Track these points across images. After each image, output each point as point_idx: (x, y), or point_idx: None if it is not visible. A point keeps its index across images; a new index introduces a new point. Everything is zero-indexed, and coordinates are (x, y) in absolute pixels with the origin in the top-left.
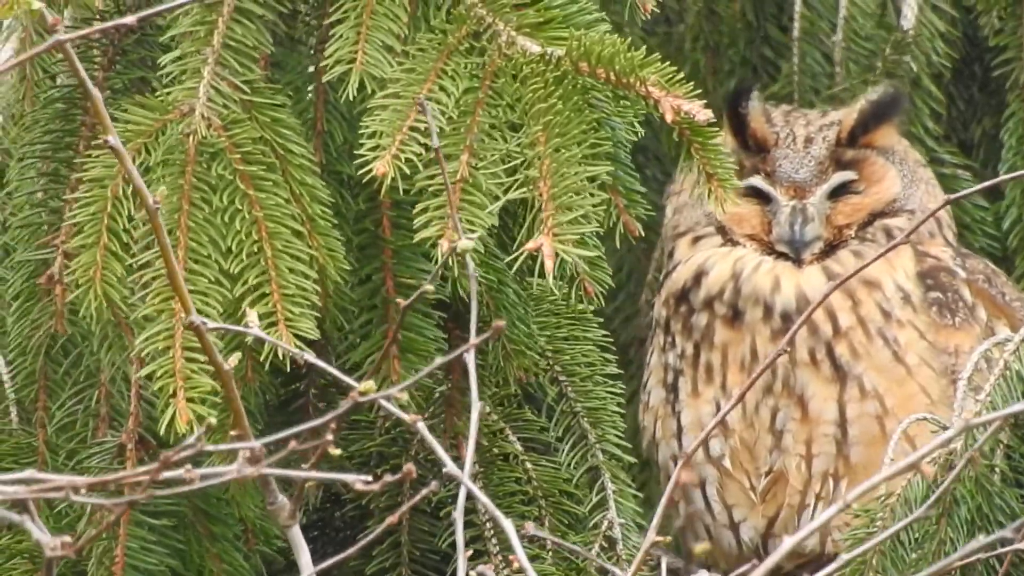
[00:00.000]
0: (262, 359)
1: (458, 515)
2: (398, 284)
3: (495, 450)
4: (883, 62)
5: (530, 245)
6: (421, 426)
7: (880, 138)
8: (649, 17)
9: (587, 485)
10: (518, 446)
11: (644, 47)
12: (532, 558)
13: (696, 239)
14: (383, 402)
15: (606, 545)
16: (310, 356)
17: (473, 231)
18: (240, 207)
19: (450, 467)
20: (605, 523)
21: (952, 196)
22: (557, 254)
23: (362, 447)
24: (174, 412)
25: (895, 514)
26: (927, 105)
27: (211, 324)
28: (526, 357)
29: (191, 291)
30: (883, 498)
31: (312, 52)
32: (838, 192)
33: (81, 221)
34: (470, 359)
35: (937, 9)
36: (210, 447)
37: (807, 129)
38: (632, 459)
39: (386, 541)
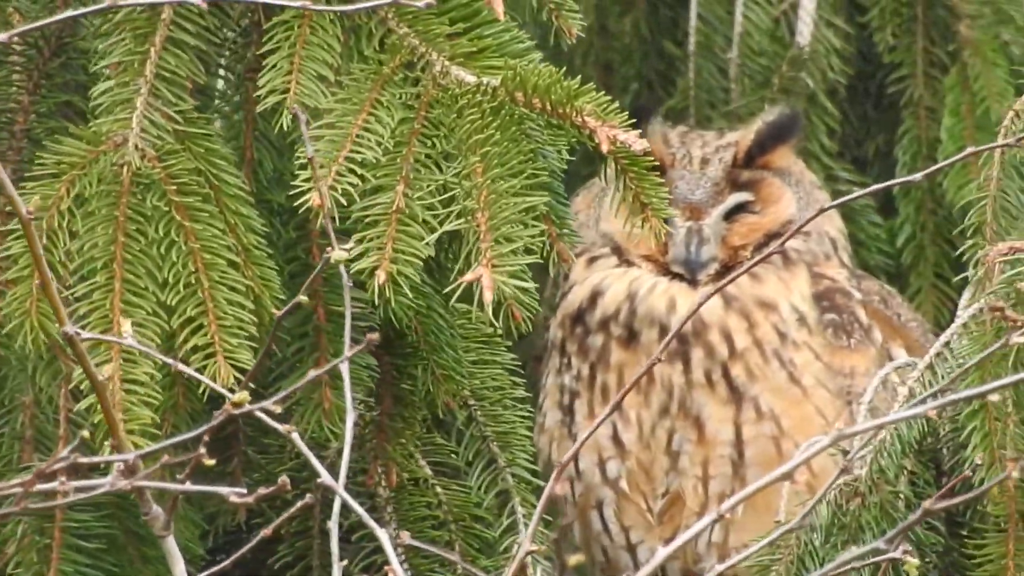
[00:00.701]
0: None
1: (332, 526)
2: (329, 312)
3: (406, 475)
4: (779, 78)
5: (469, 276)
6: (295, 436)
7: (776, 159)
8: (574, 41)
9: (497, 509)
10: (428, 470)
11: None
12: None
13: (592, 260)
14: (257, 412)
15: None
16: (214, 384)
17: (411, 260)
18: (176, 238)
19: (325, 477)
20: (515, 547)
21: (829, 206)
22: (497, 286)
23: (270, 471)
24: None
25: (799, 541)
26: (822, 122)
27: (84, 334)
28: (454, 382)
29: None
30: (784, 524)
31: (240, 80)
32: (734, 213)
33: (15, 253)
34: (344, 369)
35: (832, 25)
36: (84, 460)
37: (703, 150)
38: (542, 483)
39: (297, 567)
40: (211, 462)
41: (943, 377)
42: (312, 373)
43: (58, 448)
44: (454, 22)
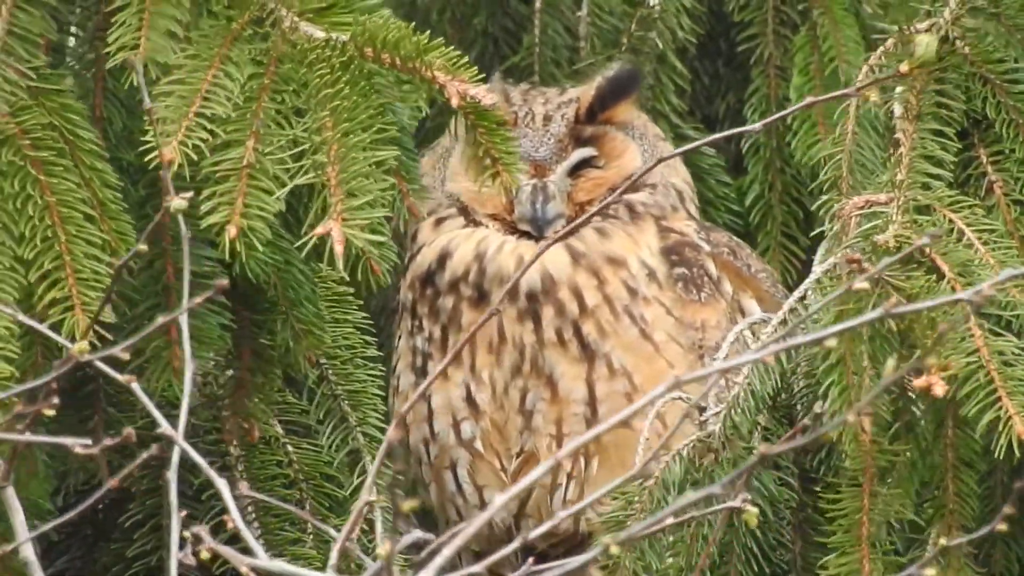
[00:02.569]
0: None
1: (171, 475)
2: (178, 271)
3: (258, 433)
4: (628, 38)
5: (319, 230)
6: (135, 387)
7: (619, 114)
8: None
9: (348, 468)
10: (279, 429)
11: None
12: (294, 541)
13: (439, 221)
14: (98, 363)
15: (367, 528)
16: (59, 337)
17: (262, 215)
18: (32, 192)
19: (165, 427)
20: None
21: (668, 155)
22: (347, 239)
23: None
24: None
25: (652, 496)
26: (672, 81)
27: None
28: (314, 337)
29: None
30: (639, 481)
31: (91, 39)
32: (579, 169)
33: None
34: (183, 321)
35: None
36: None
37: (546, 107)
38: None
39: (147, 526)
40: (52, 412)
41: (792, 331)
42: (160, 319)
43: None
44: None
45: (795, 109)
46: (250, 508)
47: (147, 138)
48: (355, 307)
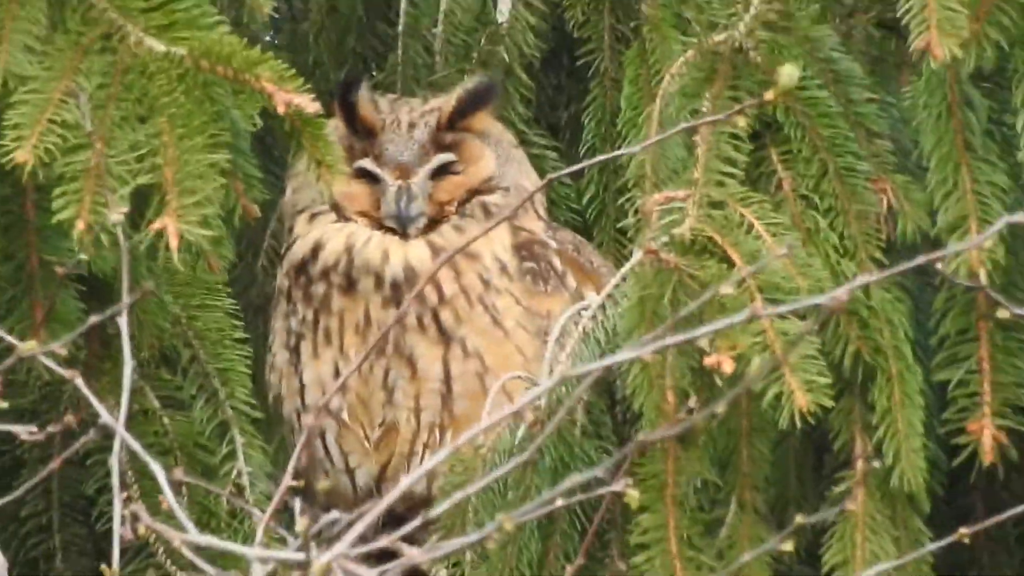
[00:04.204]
0: None
1: (114, 460)
2: (43, 261)
3: (135, 406)
4: (478, 52)
5: (156, 225)
6: (79, 381)
7: (476, 123)
8: (266, 19)
9: (218, 438)
10: (156, 402)
11: (259, 46)
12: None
13: (313, 216)
14: (41, 358)
15: (235, 491)
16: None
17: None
18: None
19: (106, 418)
20: (234, 472)
21: (550, 177)
22: (181, 233)
23: (17, 402)
24: None
25: (487, 461)
26: (518, 91)
27: None
28: (156, 327)
29: None
30: (477, 449)
31: None
32: (439, 172)
33: None
34: (123, 322)
35: (529, 5)
36: None
37: (410, 115)
38: (259, 415)
39: (37, 488)
40: (5, 404)
41: (612, 318)
42: (93, 318)
43: None
44: None
45: (675, 131)
46: (130, 473)
47: (5, 142)
48: (224, 295)
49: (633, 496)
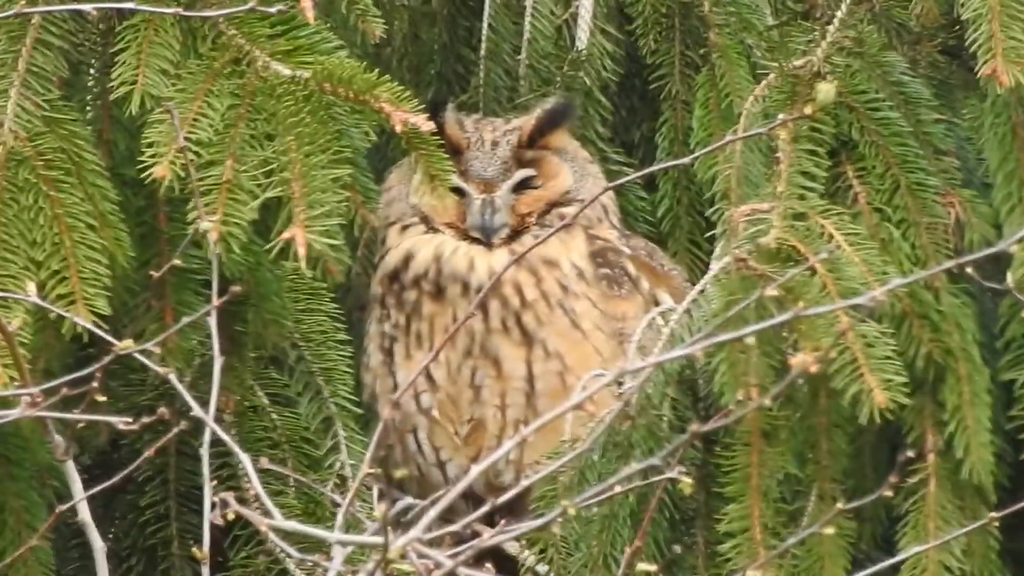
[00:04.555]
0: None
1: (204, 451)
2: (172, 268)
3: (247, 403)
4: (561, 77)
5: (285, 235)
6: (172, 378)
7: (554, 141)
8: (378, 41)
9: (323, 432)
10: (265, 399)
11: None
12: (277, 493)
13: (404, 228)
14: (138, 355)
15: (339, 482)
16: (83, 322)
17: (238, 223)
18: (43, 205)
19: (197, 411)
20: (338, 464)
21: (610, 185)
22: (309, 243)
23: (133, 401)
24: None
25: (580, 455)
26: (597, 112)
27: None
28: (279, 326)
29: (4, 275)
30: (569, 442)
31: (97, 74)
32: (520, 186)
33: None
34: (212, 322)
35: (605, 32)
36: None
37: (494, 134)
38: (360, 411)
39: (157, 479)
40: (103, 398)
41: (698, 319)
42: (185, 319)
43: None
44: (274, 25)
45: (713, 148)
46: (240, 465)
47: (144, 158)
48: (327, 299)
49: (687, 483)
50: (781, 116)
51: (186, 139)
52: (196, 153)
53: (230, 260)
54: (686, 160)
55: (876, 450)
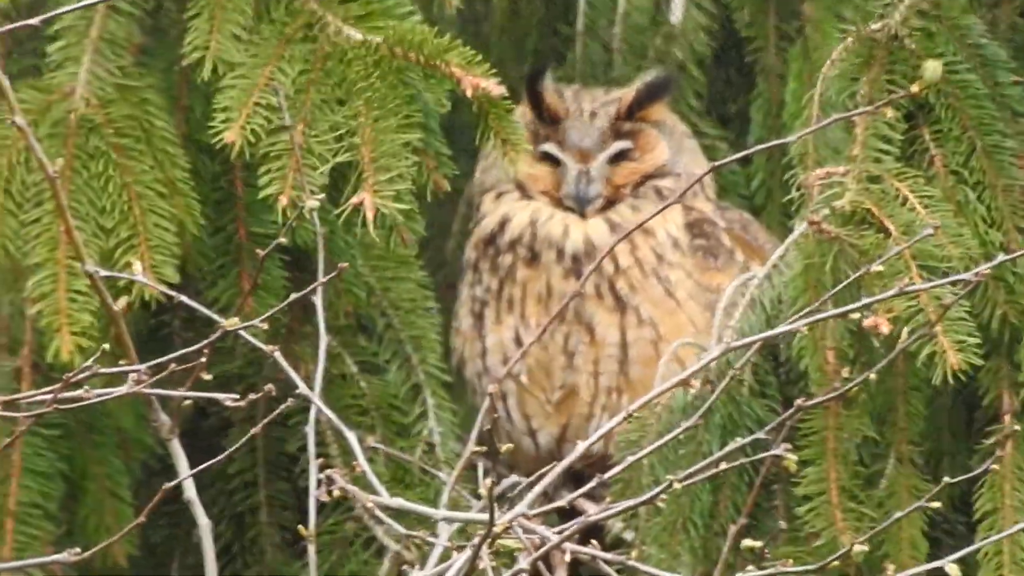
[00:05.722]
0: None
1: (309, 429)
2: (249, 233)
3: (334, 371)
4: (654, 51)
5: (354, 200)
6: (277, 355)
7: (653, 114)
8: (454, 11)
9: (411, 399)
10: (353, 367)
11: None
12: (366, 460)
13: (499, 195)
14: (243, 333)
15: (427, 449)
16: (183, 297)
17: (312, 190)
18: (113, 173)
19: (302, 388)
20: (426, 431)
21: (714, 164)
22: (377, 207)
23: (223, 368)
24: (58, 343)
25: (661, 420)
26: (691, 86)
27: (102, 272)
28: (353, 295)
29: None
30: (651, 407)
31: (174, 41)
32: (617, 158)
33: None
34: (318, 299)
35: (700, 7)
36: (103, 370)
37: (592, 105)
38: (448, 378)
39: (245, 445)
40: (209, 376)
41: (777, 286)
42: (292, 296)
43: (24, 351)
44: None
45: (819, 127)
46: (330, 434)
47: (215, 123)
48: (416, 267)
49: (791, 460)
50: (860, 93)
51: (257, 104)
52: (267, 118)
53: (302, 227)
54: (790, 139)
55: (953, 413)
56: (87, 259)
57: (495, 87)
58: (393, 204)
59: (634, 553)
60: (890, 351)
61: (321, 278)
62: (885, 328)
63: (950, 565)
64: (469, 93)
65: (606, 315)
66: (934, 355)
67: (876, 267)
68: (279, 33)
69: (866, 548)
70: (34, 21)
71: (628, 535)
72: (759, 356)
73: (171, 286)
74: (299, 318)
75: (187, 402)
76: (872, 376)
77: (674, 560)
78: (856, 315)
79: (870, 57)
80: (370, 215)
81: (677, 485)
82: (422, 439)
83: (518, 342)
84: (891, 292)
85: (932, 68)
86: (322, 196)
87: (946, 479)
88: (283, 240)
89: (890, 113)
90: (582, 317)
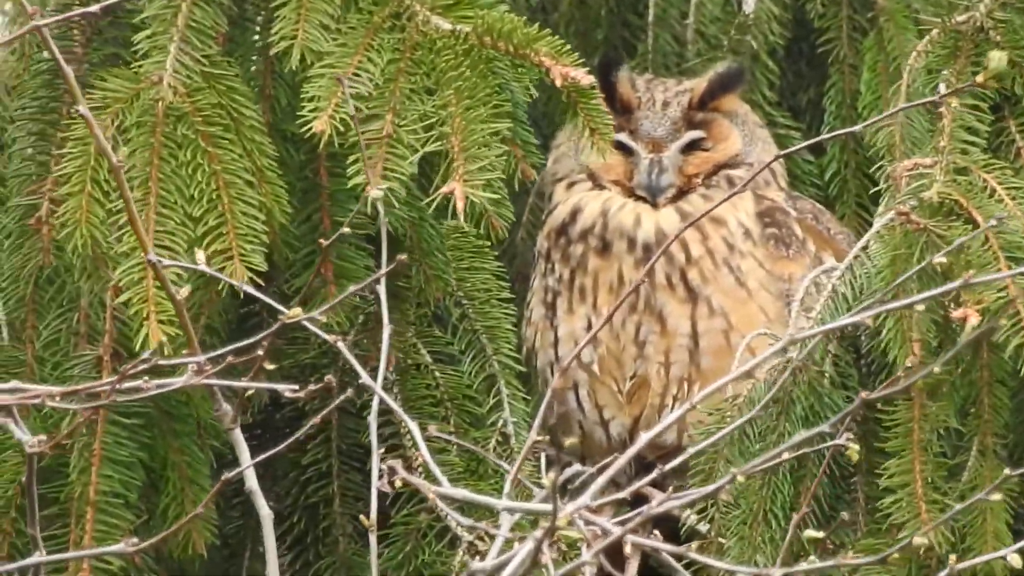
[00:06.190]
0: (219, 288)
1: (372, 420)
2: (334, 222)
3: (409, 361)
4: (728, 41)
5: (444, 189)
6: (341, 345)
7: (725, 104)
8: (534, 3)
9: (485, 390)
10: (428, 358)
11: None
12: (439, 451)
13: (571, 184)
14: (307, 323)
15: (501, 439)
16: (249, 288)
17: (399, 177)
18: (201, 161)
19: (365, 378)
20: (500, 421)
21: (781, 152)
22: (467, 196)
23: (297, 359)
24: (147, 331)
25: (741, 412)
26: (764, 76)
27: (165, 261)
28: (442, 281)
29: (161, 231)
30: (731, 399)
31: (259, 29)
32: (689, 148)
33: (69, 172)
34: (381, 289)
35: None
36: (163, 361)
37: (665, 95)
38: (522, 368)
39: (319, 437)
40: (272, 366)
41: (860, 277)
42: (351, 288)
43: (105, 340)
44: None
45: (887, 115)
46: (402, 424)
47: (303, 113)
48: (491, 257)
49: (854, 450)
50: (943, 86)
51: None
52: (356, 108)
53: (392, 215)
54: (857, 127)
55: None
56: (150, 249)
57: (583, 76)
58: (483, 194)
59: (694, 545)
60: (973, 341)
61: (384, 267)
62: (974, 319)
63: (1012, 555)
64: (559, 83)
65: (677, 305)
66: (1022, 347)
67: (938, 258)
68: (367, 22)
69: (925, 541)
70: (94, 9)
71: (703, 527)
72: (840, 348)
73: (259, 274)
74: (387, 306)
75: (250, 392)
76: (937, 369)
77: (755, 552)
78: (941, 306)
79: (956, 49)
80: (460, 204)
81: (740, 478)
82: (496, 430)
83: (590, 332)
84: (955, 284)
85: (997, 58)
86: (386, 187)
87: None
88: (347, 230)
89: (955, 104)
90: (653, 307)
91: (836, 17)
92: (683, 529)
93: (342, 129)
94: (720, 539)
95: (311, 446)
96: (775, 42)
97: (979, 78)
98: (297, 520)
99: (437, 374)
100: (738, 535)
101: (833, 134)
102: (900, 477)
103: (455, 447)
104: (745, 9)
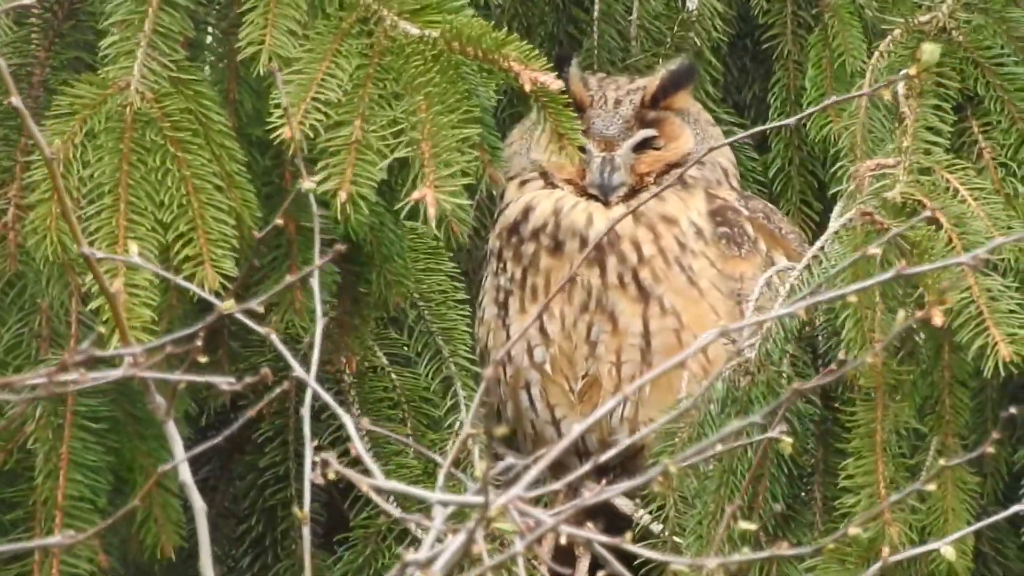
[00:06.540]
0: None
1: (305, 412)
2: (299, 228)
3: (366, 364)
4: (672, 37)
5: (415, 195)
6: (273, 337)
7: (677, 102)
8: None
9: (442, 392)
10: (384, 360)
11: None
12: (397, 453)
13: (523, 183)
14: (239, 315)
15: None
16: (201, 291)
17: (368, 183)
18: (170, 167)
19: (298, 371)
20: (458, 423)
21: (719, 143)
22: (438, 203)
23: (253, 361)
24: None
25: (699, 411)
26: (708, 73)
27: (98, 254)
28: (403, 286)
29: (132, 237)
30: (687, 398)
31: (225, 34)
32: (641, 146)
33: (37, 179)
34: (314, 281)
35: None
36: (99, 352)
37: (617, 93)
38: (479, 370)
39: (276, 439)
40: (205, 358)
41: (818, 277)
42: (288, 279)
43: (70, 344)
44: None
45: (821, 107)
46: (362, 432)
47: (272, 119)
48: (446, 259)
49: (787, 443)
50: (901, 86)
51: (314, 99)
52: (325, 113)
53: (356, 221)
54: (791, 120)
55: (998, 406)
56: (83, 242)
57: (553, 81)
58: (454, 199)
59: (628, 535)
60: (934, 342)
61: (317, 258)
62: (938, 320)
63: (946, 548)
64: (528, 87)
65: (629, 305)
66: (985, 347)
67: (873, 249)
68: (334, 28)
69: (863, 533)
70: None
71: (655, 527)
72: (798, 348)
73: (229, 279)
74: (348, 311)
75: (182, 384)
76: (869, 360)
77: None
78: (903, 307)
79: (918, 49)
80: (432, 210)
81: (672, 469)
82: (454, 431)
83: (543, 331)
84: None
85: (929, 51)
86: (318, 179)
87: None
88: (279, 222)
89: (887, 95)
90: (605, 307)
91: (781, 13)
92: (636, 529)
93: (311, 135)
94: (675, 538)
95: (269, 448)
96: (718, 38)
97: (911, 71)
98: (256, 522)
99: (394, 376)
100: (696, 534)
101: (770, 125)
102: (862, 478)
103: (412, 450)
104: (688, 6)
